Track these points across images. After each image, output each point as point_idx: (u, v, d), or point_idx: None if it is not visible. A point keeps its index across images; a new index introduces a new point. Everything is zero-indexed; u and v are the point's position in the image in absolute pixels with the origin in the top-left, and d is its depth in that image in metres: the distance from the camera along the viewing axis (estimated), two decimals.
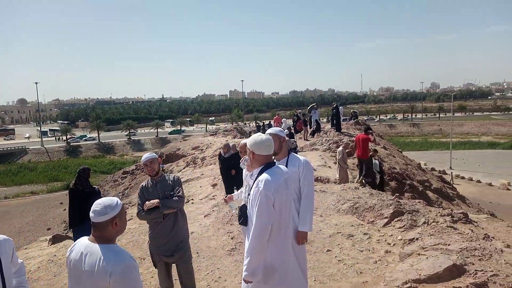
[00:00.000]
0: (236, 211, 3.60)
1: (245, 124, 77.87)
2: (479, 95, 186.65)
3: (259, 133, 2.99)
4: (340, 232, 6.09)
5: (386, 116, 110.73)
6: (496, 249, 4.23)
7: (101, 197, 2.39)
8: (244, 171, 3.80)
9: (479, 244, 4.33)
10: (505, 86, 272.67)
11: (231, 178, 8.85)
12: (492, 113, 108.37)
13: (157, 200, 3.74)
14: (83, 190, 5.97)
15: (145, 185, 3.96)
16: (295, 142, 12.85)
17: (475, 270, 3.68)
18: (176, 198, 3.82)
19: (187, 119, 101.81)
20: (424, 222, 5.65)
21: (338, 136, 21.15)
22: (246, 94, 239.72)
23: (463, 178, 38.10)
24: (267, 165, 2.87)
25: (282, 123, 22.91)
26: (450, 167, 43.99)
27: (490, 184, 35.80)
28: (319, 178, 12.89)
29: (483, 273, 3.60)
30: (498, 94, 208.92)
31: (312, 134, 23.05)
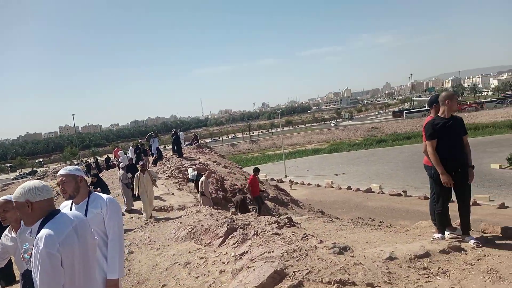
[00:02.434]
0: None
1: (83, 161, 70.44)
2: (301, 110, 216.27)
3: (28, 180, 2.52)
4: (177, 262, 5.83)
5: (228, 136, 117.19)
6: (311, 247, 4.64)
7: None
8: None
9: (298, 245, 4.68)
10: (320, 101, 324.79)
11: None
12: (313, 124, 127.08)
13: None
14: None
15: None
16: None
17: (294, 272, 3.92)
18: None
19: (7, 164, 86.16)
20: (254, 234, 5.88)
21: (180, 162, 21.06)
22: (80, 128, 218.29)
23: (296, 183, 42.93)
24: (50, 215, 2.41)
25: (119, 156, 21.42)
26: (286, 175, 49.08)
27: (318, 185, 41.29)
28: (162, 207, 12.42)
29: (300, 273, 3.86)
30: (315, 108, 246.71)
31: (154, 162, 22.33)
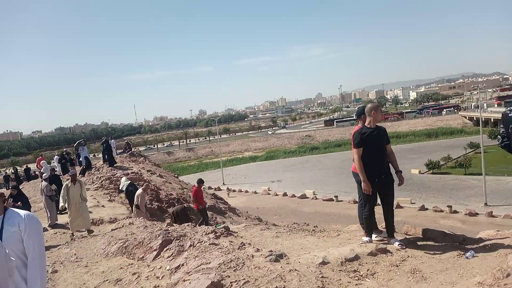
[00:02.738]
0: None
1: (0, 172, 63.83)
2: (238, 118, 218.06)
3: None
4: (107, 280, 5.46)
5: (164, 144, 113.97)
6: (248, 256, 4.64)
7: None
8: None
9: (235, 255, 4.65)
10: (256, 109, 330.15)
11: None
12: (250, 132, 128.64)
13: None
14: None
15: None
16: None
17: (231, 282, 3.87)
18: None
19: None
20: (191, 245, 5.74)
21: (112, 171, 19.97)
22: None
23: (234, 191, 43.02)
24: None
25: (42, 166, 19.74)
26: (223, 183, 48.97)
27: (255, 192, 41.80)
28: (91, 220, 11.64)
29: (237, 284, 3.82)
30: (252, 116, 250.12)
31: (83, 172, 20.91)
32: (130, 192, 12.75)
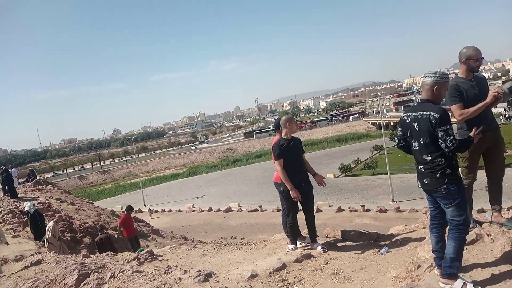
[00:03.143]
0: None
1: None
2: (156, 135, 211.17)
3: None
4: None
5: (74, 168, 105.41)
6: (175, 279, 4.46)
7: None
8: None
9: (161, 281, 4.44)
10: (175, 125, 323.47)
11: None
12: (169, 149, 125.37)
13: None
14: None
15: None
16: None
17: None
18: None
19: None
20: (111, 276, 5.32)
21: (14, 204, 17.80)
22: None
23: (157, 211, 41.32)
24: None
25: None
26: (144, 204, 46.78)
27: (179, 211, 40.62)
28: None
29: None
30: (171, 132, 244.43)
31: None
32: (34, 217, 11.52)
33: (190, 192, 52.48)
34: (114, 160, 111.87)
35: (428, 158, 3.09)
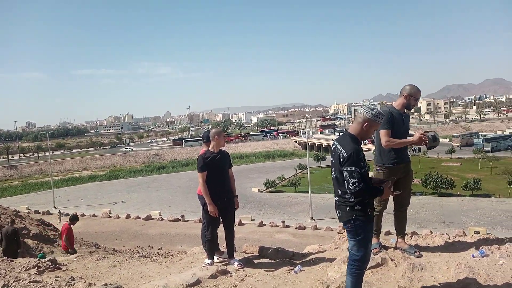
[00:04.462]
0: None
1: None
2: (76, 132, 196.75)
3: None
4: None
5: None
6: None
7: None
8: None
9: None
10: (98, 124, 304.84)
11: None
12: (90, 148, 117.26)
13: None
14: None
15: None
16: None
17: None
18: None
19: None
20: (4, 285, 4.74)
21: None
22: None
23: (68, 214, 38.16)
24: None
25: None
26: (54, 206, 43.00)
27: (93, 215, 38.01)
28: None
29: None
30: (93, 131, 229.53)
31: None
32: None
33: (109, 196, 49.48)
34: (24, 155, 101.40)
35: (340, 191, 3.03)
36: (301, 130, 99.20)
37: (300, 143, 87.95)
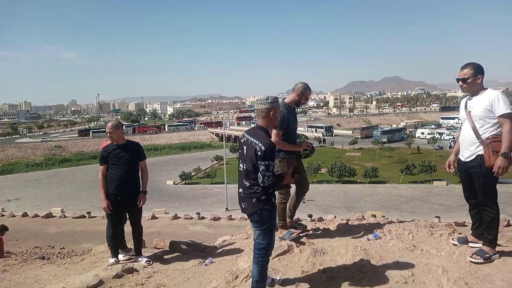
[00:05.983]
0: None
1: None
2: None
3: None
4: None
5: None
6: None
7: None
8: None
9: None
10: None
11: None
12: None
13: None
14: None
15: None
16: None
17: None
18: None
19: None
20: None
21: None
22: None
23: None
24: None
25: None
26: None
27: None
28: None
29: None
30: None
31: None
32: None
33: (1, 193, 43.98)
34: None
35: (247, 184, 3.11)
36: (218, 121, 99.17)
37: (217, 135, 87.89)
